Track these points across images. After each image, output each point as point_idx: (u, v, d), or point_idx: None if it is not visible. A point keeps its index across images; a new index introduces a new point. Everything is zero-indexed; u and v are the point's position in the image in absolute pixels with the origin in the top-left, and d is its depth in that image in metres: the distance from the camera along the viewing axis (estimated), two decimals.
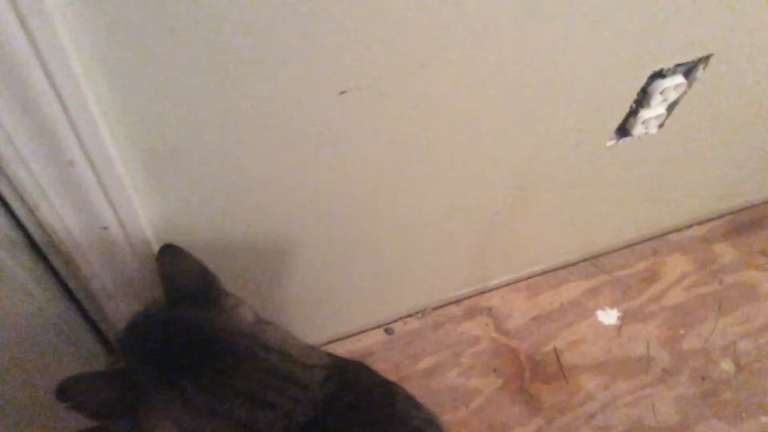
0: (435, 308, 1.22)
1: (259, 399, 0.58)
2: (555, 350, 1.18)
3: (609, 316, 1.23)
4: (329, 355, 0.68)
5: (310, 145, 0.68)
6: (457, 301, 1.23)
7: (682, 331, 1.23)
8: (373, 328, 1.19)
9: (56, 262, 0.64)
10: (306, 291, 1.00)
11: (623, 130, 0.95)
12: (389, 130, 0.73)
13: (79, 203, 0.55)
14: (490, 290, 1.24)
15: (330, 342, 1.16)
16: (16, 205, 0.55)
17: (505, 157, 0.88)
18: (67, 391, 0.54)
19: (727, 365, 1.18)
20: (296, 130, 0.65)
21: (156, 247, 0.66)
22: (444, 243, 1.04)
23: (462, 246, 1.08)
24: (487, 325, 1.21)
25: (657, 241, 1.35)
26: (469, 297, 1.23)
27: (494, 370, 1.15)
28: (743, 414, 1.12)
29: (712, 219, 1.39)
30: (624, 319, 1.23)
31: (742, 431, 1.10)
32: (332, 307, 1.09)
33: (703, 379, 1.16)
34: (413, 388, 1.12)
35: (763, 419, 1.12)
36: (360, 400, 0.65)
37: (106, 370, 0.66)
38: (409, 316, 1.21)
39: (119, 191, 0.56)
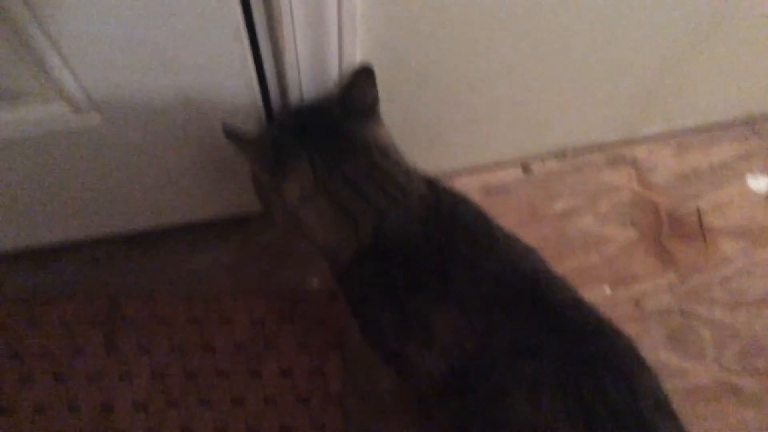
0: (577, 151, 1.17)
1: (359, 188, 0.70)
2: (698, 210, 1.13)
3: (760, 183, 1.16)
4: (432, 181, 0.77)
5: None
6: (601, 148, 1.17)
7: None
8: (510, 164, 1.15)
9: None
10: (456, 110, 0.95)
11: None
12: None
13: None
14: (638, 141, 1.17)
15: (465, 172, 1.14)
16: None
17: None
18: (231, 131, 0.69)
19: None
20: None
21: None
22: (602, 79, 0.96)
23: (620, 85, 0.99)
24: (629, 175, 1.15)
25: None
26: (615, 144, 1.17)
27: (632, 222, 1.12)
28: None
29: None
30: None
31: None
32: (472, 134, 1.04)
33: None
34: (546, 229, 1.12)
35: None
36: (459, 223, 0.72)
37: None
38: (550, 156, 1.16)
39: None
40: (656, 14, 0.83)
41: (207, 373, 0.95)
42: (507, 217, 1.10)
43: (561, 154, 1.16)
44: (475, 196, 1.12)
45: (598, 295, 1.05)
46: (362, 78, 0.73)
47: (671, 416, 0.63)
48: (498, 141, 1.09)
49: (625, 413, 0.60)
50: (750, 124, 1.21)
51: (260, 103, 0.77)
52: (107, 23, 0.60)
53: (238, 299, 1.00)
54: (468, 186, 1.13)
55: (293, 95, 0.76)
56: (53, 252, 1.01)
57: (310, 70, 0.73)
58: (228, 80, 0.72)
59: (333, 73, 0.75)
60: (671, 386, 0.65)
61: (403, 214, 0.70)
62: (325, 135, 0.71)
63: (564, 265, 1.07)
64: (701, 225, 1.12)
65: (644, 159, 1.17)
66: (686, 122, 1.17)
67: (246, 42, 0.67)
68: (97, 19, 0.59)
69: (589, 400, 0.60)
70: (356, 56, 0.75)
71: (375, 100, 0.75)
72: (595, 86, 0.98)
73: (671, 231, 1.11)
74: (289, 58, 0.70)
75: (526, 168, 1.15)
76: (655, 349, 1.02)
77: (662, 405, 0.63)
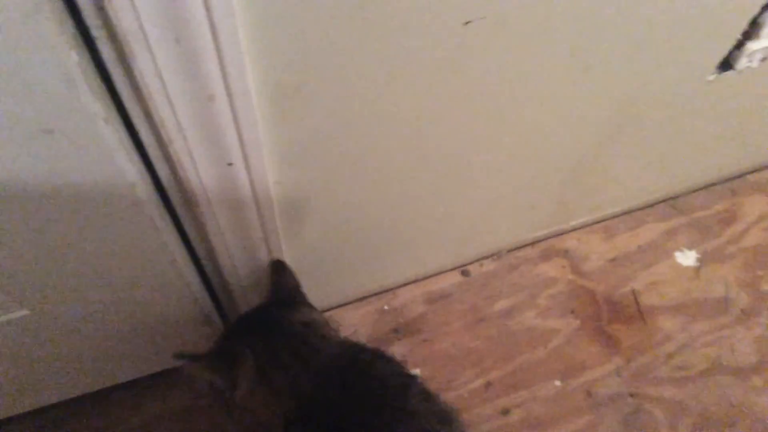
0: (511, 250, 1.22)
1: (282, 361, 0.74)
2: (633, 291, 1.17)
3: (687, 258, 1.22)
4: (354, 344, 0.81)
5: (428, 77, 0.67)
6: (533, 243, 1.22)
7: (760, 272, 1.21)
8: (449, 270, 1.19)
9: (176, 201, 0.65)
10: (386, 233, 1.00)
11: (726, 64, 0.90)
12: (504, 62, 0.71)
13: (212, 137, 0.55)
14: (567, 232, 1.23)
15: (408, 283, 1.17)
16: (148, 141, 0.55)
17: (608, 92, 0.85)
18: (182, 356, 0.70)
19: None
20: (418, 61, 0.64)
21: (273, 189, 0.67)
22: (527, 183, 1.02)
23: (544, 186, 1.06)
24: (563, 266, 1.20)
25: (736, 182, 1.31)
26: (546, 239, 1.22)
27: (572, 311, 1.15)
28: None
29: None
30: (702, 260, 1.22)
31: None
32: (410, 250, 1.09)
33: None
34: (491, 329, 1.15)
35: None
36: (371, 384, 0.74)
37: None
38: (485, 258, 1.21)
39: (251, 127, 0.55)
40: (568, 116, 0.90)
41: None
42: (452, 322, 1.15)
43: (496, 255, 1.21)
44: (419, 305, 1.16)
45: (549, 389, 1.07)
46: (277, 269, 0.85)
47: None
48: (434, 252, 1.13)
49: None
50: (671, 202, 1.28)
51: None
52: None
53: None
54: (412, 295, 1.17)
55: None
56: None
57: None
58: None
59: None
60: None
61: (314, 376, 0.73)
62: (262, 328, 0.78)
63: (513, 364, 1.11)
64: (638, 306, 1.16)
65: (575, 248, 1.22)
66: (611, 210, 1.23)
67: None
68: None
69: None
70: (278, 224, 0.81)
71: (294, 287, 0.85)
72: (518, 190, 1.04)
73: (611, 315, 1.15)
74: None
75: (464, 272, 1.20)
76: None
77: None
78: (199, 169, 0.57)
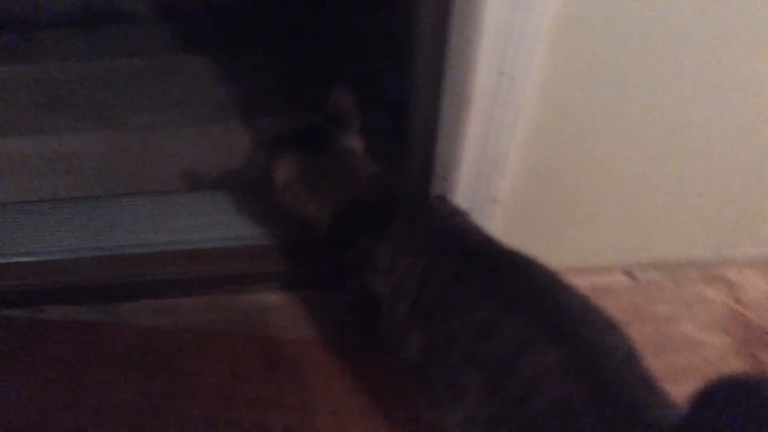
0: (674, 266, 1.34)
1: (326, 176, 1.00)
2: None
3: None
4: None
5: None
6: (696, 265, 1.34)
7: None
8: (614, 270, 1.33)
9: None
10: (573, 209, 1.16)
11: None
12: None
13: None
14: (729, 262, 1.34)
15: (574, 269, 1.31)
16: None
17: None
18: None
19: None
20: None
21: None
22: (702, 197, 1.16)
23: (715, 204, 1.18)
24: (723, 292, 1.31)
25: None
26: (708, 263, 1.33)
27: (726, 331, 1.26)
28: None
29: None
30: None
31: None
32: (584, 234, 1.24)
33: None
34: (648, 329, 1.27)
35: None
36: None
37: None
38: (650, 267, 1.33)
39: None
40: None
41: None
42: (612, 313, 1.27)
43: (660, 266, 1.33)
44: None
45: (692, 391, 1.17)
46: (340, 94, 1.04)
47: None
48: (605, 245, 1.27)
49: None
50: None
51: None
52: None
53: None
54: (577, 284, 1.30)
55: None
56: None
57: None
58: None
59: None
60: None
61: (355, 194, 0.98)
62: (310, 140, 1.03)
63: (662, 361, 1.21)
64: None
65: (736, 280, 1.33)
66: None
67: None
68: None
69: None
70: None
71: (350, 114, 1.04)
72: (697, 202, 1.18)
73: (764, 344, 1.24)
74: None
75: (630, 275, 1.33)
76: None
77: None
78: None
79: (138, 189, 1.36)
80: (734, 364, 1.21)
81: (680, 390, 0.81)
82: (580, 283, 1.34)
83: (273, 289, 1.27)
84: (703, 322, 1.27)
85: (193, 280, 1.25)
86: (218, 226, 1.28)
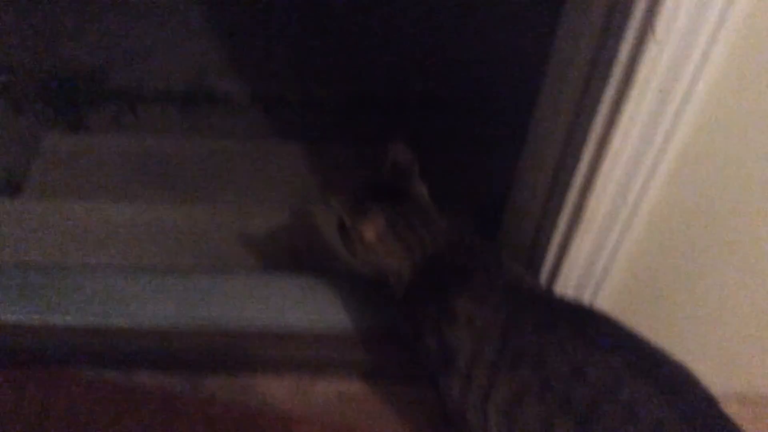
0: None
1: (412, 226, 1.02)
2: None
3: None
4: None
5: None
6: None
7: None
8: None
9: None
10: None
11: None
12: None
13: None
14: None
15: None
16: None
17: None
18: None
19: None
20: None
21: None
22: None
23: None
24: None
25: None
26: None
27: None
28: None
29: None
30: None
31: None
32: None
33: None
34: None
35: None
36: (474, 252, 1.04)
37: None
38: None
39: None
40: None
41: None
42: None
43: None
44: None
45: None
46: (398, 149, 1.07)
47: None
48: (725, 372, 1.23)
49: None
50: None
51: None
52: None
53: None
54: None
55: None
56: None
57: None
58: None
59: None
60: None
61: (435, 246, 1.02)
62: (388, 194, 1.04)
63: None
64: None
65: None
66: None
67: None
68: None
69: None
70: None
71: (412, 164, 1.06)
72: None
73: None
74: None
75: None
76: None
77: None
78: None
79: (232, 264, 1.42)
80: None
81: None
82: None
83: (356, 378, 1.29)
84: None
85: (278, 359, 1.28)
86: (306, 307, 1.32)
